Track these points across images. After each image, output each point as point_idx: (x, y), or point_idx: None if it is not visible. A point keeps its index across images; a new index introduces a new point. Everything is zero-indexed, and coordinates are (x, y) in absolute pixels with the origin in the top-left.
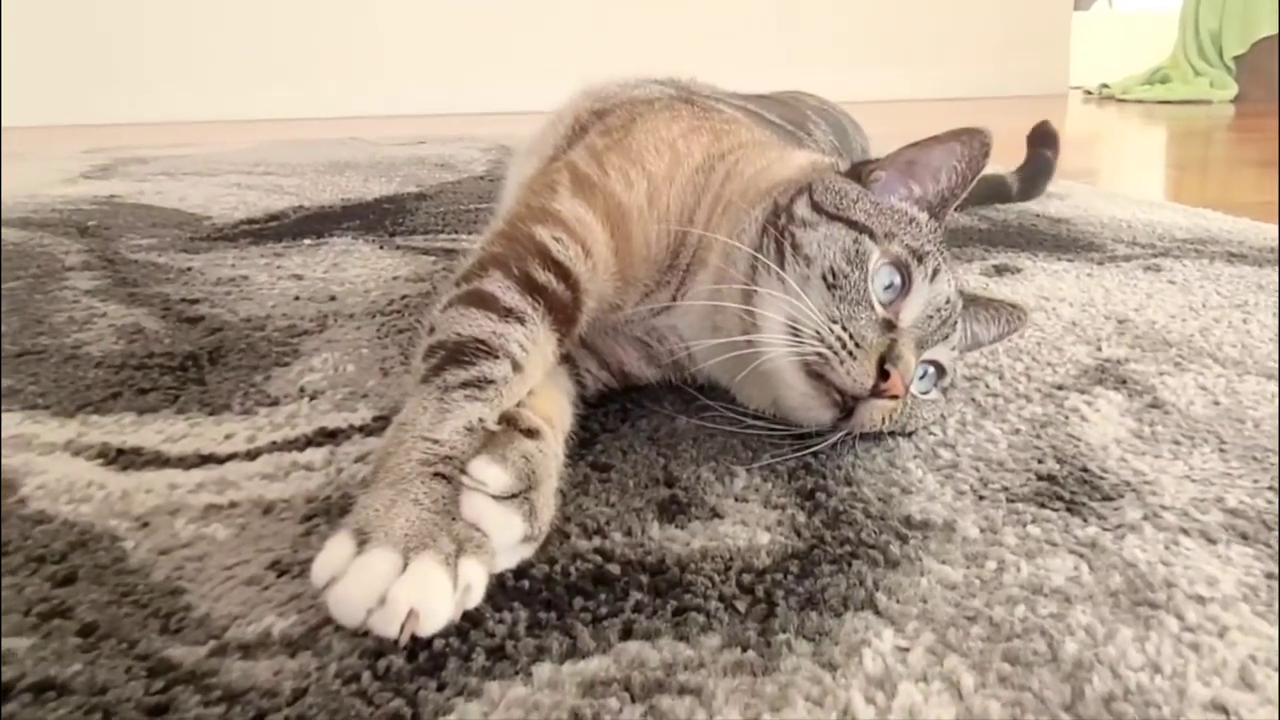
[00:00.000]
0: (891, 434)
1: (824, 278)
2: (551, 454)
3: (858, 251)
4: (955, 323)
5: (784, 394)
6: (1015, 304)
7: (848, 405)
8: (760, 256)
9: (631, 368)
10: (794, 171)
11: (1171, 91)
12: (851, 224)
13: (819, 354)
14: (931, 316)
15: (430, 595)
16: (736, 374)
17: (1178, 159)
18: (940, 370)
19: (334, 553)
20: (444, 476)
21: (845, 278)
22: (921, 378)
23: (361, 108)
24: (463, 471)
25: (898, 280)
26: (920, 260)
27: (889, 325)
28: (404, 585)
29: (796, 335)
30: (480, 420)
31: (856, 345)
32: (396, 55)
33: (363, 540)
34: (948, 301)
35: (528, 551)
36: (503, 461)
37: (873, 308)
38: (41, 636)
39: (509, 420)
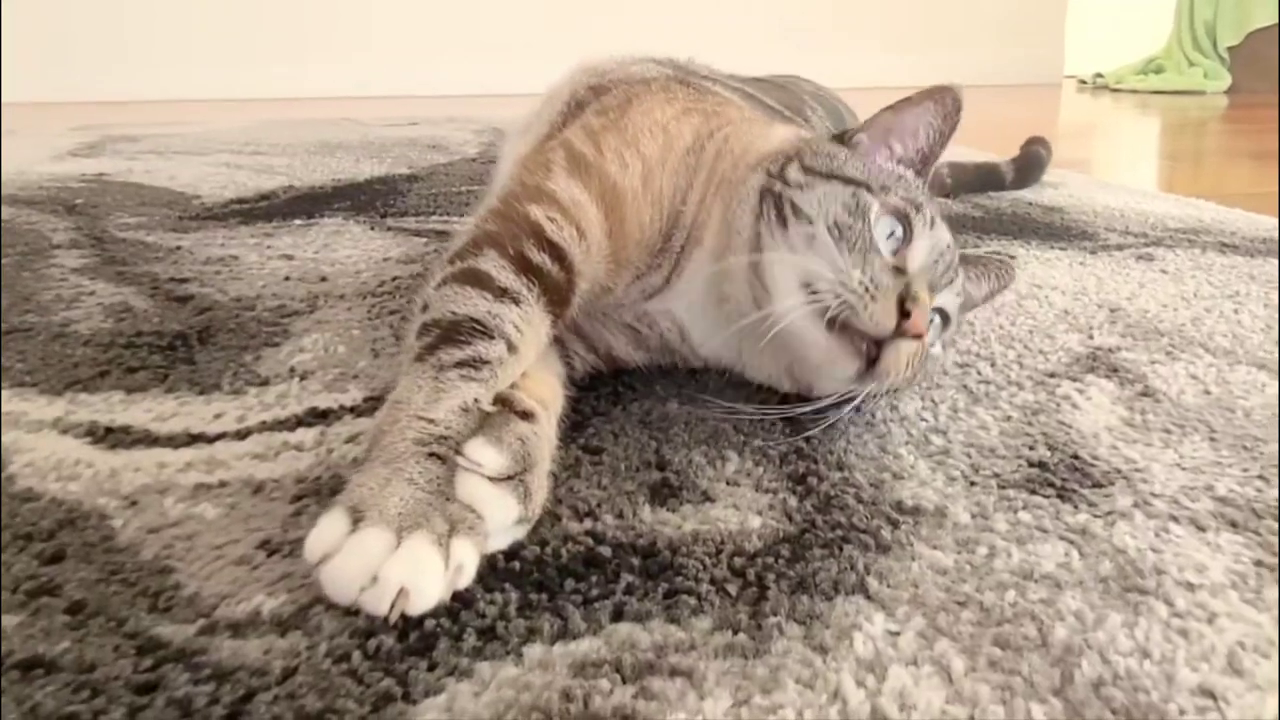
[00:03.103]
0: (893, 398)
1: (829, 231)
2: (545, 436)
3: (857, 204)
4: (956, 269)
5: (805, 355)
6: (1002, 258)
7: (871, 354)
8: (763, 224)
9: (620, 352)
10: (780, 143)
11: (1165, 81)
12: (847, 180)
13: (843, 302)
14: (936, 261)
15: (421, 574)
16: (746, 348)
17: (1171, 149)
18: (945, 318)
19: (328, 530)
20: (439, 456)
21: (850, 229)
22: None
23: (353, 87)
24: (458, 452)
25: (899, 230)
26: (918, 209)
27: (899, 271)
28: (395, 564)
29: (814, 292)
30: (475, 400)
31: (876, 288)
32: (389, 35)
33: (357, 518)
34: (949, 246)
35: (520, 533)
36: (498, 444)
37: (881, 255)
38: (29, 614)
39: (504, 402)
